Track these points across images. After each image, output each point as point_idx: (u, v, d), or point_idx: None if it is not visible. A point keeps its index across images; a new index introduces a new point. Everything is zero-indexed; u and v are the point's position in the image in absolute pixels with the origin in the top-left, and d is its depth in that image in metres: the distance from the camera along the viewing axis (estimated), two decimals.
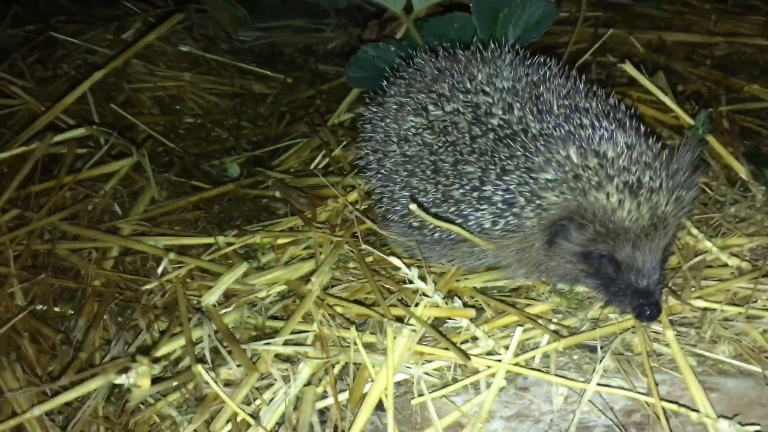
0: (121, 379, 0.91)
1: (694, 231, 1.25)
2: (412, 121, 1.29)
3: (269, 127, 2.25)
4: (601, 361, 1.06)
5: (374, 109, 1.38)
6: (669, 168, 1.10)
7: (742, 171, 1.43)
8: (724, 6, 2.38)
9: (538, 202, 1.12)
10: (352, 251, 1.32)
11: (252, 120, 2.35)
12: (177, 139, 2.15)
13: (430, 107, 1.26)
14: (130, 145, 1.66)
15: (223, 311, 1.24)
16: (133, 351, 1.20)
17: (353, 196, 1.50)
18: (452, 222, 1.17)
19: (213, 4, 2.89)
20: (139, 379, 0.92)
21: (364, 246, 1.27)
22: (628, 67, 1.56)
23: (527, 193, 1.12)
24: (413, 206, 1.07)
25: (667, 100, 1.53)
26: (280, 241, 1.40)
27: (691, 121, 1.49)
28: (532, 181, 1.12)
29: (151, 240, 1.40)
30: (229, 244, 1.40)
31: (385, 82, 1.40)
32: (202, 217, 1.55)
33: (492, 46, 1.36)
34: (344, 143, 1.76)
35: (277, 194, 1.59)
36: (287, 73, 2.62)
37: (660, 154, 1.12)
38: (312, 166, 1.75)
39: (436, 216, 1.15)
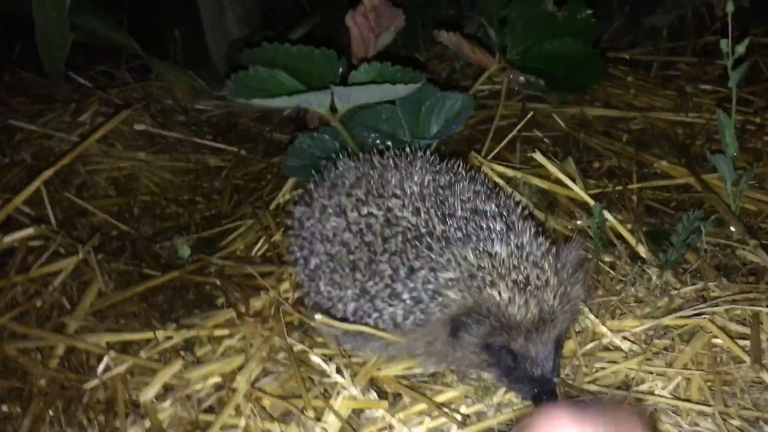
0: None
1: (591, 316, 1.37)
2: (334, 221, 1.40)
3: (222, 202, 2.35)
4: None
5: (302, 209, 1.49)
6: (555, 266, 1.23)
7: (642, 251, 1.56)
8: (646, 76, 2.55)
9: (440, 299, 1.23)
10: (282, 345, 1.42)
11: (206, 194, 2.44)
12: (131, 219, 2.24)
13: (349, 210, 1.38)
14: (77, 243, 1.75)
15: (161, 405, 1.34)
16: None
17: (286, 285, 1.60)
18: (365, 323, 1.28)
19: (171, 77, 3.01)
20: None
21: (290, 340, 1.37)
22: (538, 156, 1.70)
23: (431, 291, 1.23)
24: (318, 316, 1.18)
25: (574, 186, 1.67)
26: (217, 333, 1.50)
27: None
28: (434, 280, 1.23)
29: (95, 337, 1.49)
30: (169, 338, 1.49)
31: (311, 185, 1.51)
32: (146, 309, 1.64)
33: (408, 149, 1.48)
34: (284, 228, 1.87)
35: (218, 283, 1.69)
36: (242, 144, 2.72)
37: (547, 253, 1.24)
38: (254, 252, 1.85)
39: (344, 320, 1.26)
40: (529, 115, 1.99)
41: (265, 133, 2.90)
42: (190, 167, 2.58)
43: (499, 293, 1.19)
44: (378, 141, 1.82)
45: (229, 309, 1.55)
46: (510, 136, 2.04)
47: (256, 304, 1.57)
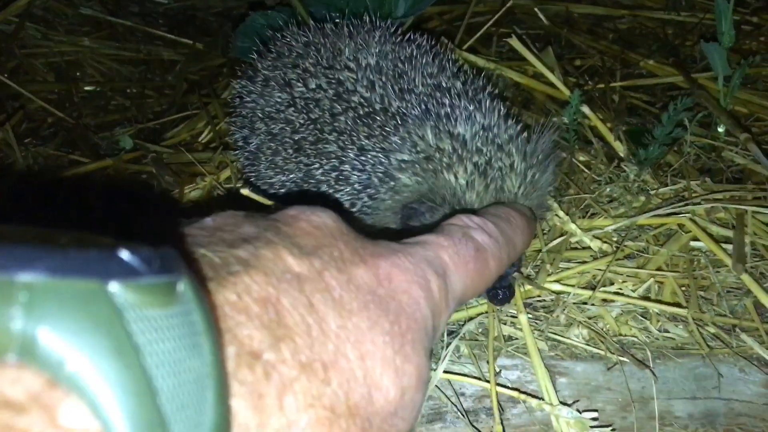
0: None
1: (561, 213, 1.24)
2: (278, 97, 1.23)
3: (174, 97, 2.17)
4: (447, 347, 1.04)
5: (243, 83, 1.32)
6: (524, 150, 1.08)
7: (620, 149, 1.42)
8: None
9: (391, 183, 1.08)
10: None
11: (158, 88, 2.25)
12: (72, 108, 2.06)
13: (294, 83, 1.21)
14: None
15: None
16: None
17: (227, 173, 1.44)
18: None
19: None
20: None
21: None
22: (515, 42, 1.53)
23: (380, 174, 1.09)
24: (245, 190, 1.03)
25: (551, 76, 1.51)
26: None
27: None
28: (386, 161, 1.08)
29: None
30: None
31: (255, 56, 1.34)
32: None
33: (367, 19, 1.31)
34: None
35: (154, 170, 1.53)
36: (199, 38, 2.52)
37: (516, 137, 1.09)
38: (198, 140, 1.69)
39: (279, 200, 1.11)
40: (509, 4, 1.80)
41: (225, 28, 2.69)
42: (140, 58, 2.38)
43: (457, 177, 1.05)
44: (338, 21, 1.62)
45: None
46: (485, 28, 1.86)
47: (193, 193, 1.42)
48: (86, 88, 2.21)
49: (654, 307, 1.10)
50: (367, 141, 1.11)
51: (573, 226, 1.22)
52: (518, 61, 1.74)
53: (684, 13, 2.01)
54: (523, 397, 1.00)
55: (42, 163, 1.60)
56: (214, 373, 0.35)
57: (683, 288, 1.15)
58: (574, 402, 1.02)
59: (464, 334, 1.09)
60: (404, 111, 1.11)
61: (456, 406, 1.04)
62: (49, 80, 2.17)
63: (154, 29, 2.53)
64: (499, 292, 1.07)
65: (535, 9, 1.96)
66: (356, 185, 1.11)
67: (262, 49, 1.33)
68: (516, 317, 1.11)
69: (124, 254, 0.31)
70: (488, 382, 1.03)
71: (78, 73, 2.28)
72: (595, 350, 1.08)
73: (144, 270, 0.31)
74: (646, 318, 1.12)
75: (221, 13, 2.85)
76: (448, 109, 1.10)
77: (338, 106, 1.15)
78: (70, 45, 2.30)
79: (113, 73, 2.30)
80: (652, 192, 1.29)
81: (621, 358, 1.05)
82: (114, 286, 0.30)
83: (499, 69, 1.65)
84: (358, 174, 1.11)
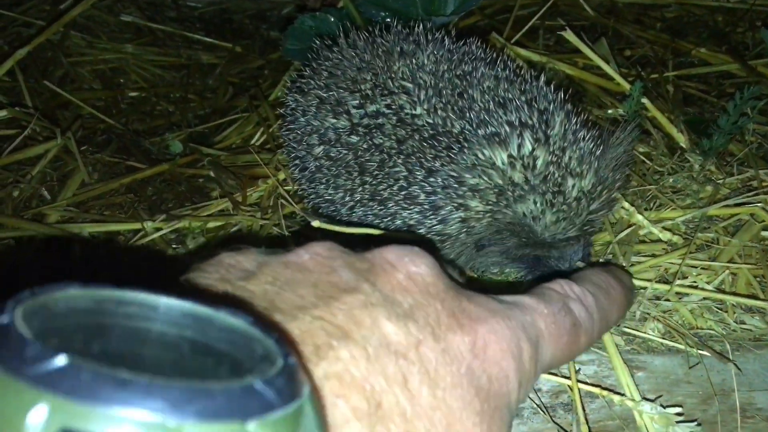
0: None
1: (626, 205, 1.23)
2: (332, 120, 1.18)
3: (217, 99, 2.19)
4: None
5: (296, 98, 1.29)
6: (600, 167, 1.05)
7: (681, 140, 1.40)
8: None
9: (463, 214, 1.05)
10: (281, 234, 1.28)
11: (199, 92, 2.28)
12: (119, 114, 2.08)
13: (352, 109, 1.16)
14: (54, 128, 1.59)
15: None
16: None
17: (284, 175, 1.45)
18: (371, 226, 1.12)
19: None
20: None
21: (288, 233, 1.23)
22: (569, 35, 1.52)
23: (454, 202, 1.05)
24: (316, 223, 1.02)
25: (608, 68, 1.49)
26: (211, 224, 1.36)
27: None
28: (457, 186, 1.04)
29: (76, 227, 1.35)
30: (158, 229, 1.35)
31: (307, 69, 1.31)
32: (134, 200, 1.50)
33: (418, 29, 1.27)
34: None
35: (212, 174, 1.54)
36: (236, 41, 2.54)
37: (589, 154, 1.05)
38: (251, 143, 1.70)
39: (348, 223, 1.11)
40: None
41: (261, 30, 2.71)
42: (181, 62, 2.40)
43: (528, 208, 1.01)
44: (388, 20, 1.62)
45: (224, 199, 1.40)
46: (531, 22, 1.85)
47: (253, 195, 1.43)
48: (131, 94, 2.24)
49: (731, 300, 1.08)
50: (434, 163, 1.07)
51: (640, 218, 1.21)
52: (567, 54, 1.73)
53: None
54: (604, 393, 1.00)
55: (101, 170, 1.63)
56: None
57: (758, 278, 1.14)
58: (657, 398, 1.01)
59: None
60: (468, 132, 1.08)
61: (534, 401, 1.04)
62: (96, 87, 2.20)
63: (193, 33, 2.56)
64: None
65: (580, 1, 1.94)
66: (426, 205, 1.08)
67: (315, 65, 1.29)
68: None
69: (259, 385, 0.32)
70: (565, 377, 1.03)
71: (122, 80, 2.31)
72: (672, 344, 1.07)
73: (277, 402, 0.33)
74: (721, 310, 1.11)
75: (256, 16, 2.87)
76: (516, 129, 1.04)
77: (402, 131, 1.11)
78: (114, 52, 2.33)
79: (156, 78, 2.32)
80: (719, 181, 1.28)
81: (701, 352, 1.04)
82: (252, 425, 0.31)
83: (551, 62, 1.64)
84: (426, 196, 1.08)
